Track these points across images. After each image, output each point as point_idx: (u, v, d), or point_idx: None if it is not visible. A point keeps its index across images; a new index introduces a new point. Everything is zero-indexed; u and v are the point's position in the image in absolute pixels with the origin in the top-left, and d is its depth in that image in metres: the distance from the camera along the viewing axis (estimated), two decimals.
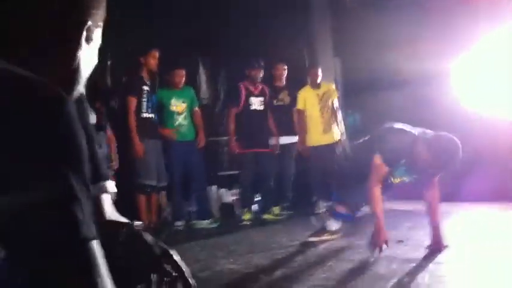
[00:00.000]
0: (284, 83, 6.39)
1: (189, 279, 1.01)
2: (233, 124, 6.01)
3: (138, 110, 5.40)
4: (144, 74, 5.49)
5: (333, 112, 6.39)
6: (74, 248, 0.64)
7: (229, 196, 6.62)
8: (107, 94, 5.90)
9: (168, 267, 1.00)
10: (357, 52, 7.14)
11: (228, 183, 6.67)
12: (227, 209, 6.46)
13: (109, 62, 6.07)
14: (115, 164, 5.31)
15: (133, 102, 5.32)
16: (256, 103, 6.02)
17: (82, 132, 0.69)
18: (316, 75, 6.37)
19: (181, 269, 1.01)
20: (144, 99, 5.41)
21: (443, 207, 3.86)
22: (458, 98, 6.37)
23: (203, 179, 5.92)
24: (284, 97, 6.37)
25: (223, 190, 6.66)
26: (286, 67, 6.39)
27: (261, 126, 5.94)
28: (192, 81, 6.50)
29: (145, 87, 5.44)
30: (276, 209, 6.01)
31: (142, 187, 5.34)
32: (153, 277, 0.98)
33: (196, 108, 5.97)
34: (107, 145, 5.24)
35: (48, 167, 0.63)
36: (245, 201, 6.14)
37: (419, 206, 5.03)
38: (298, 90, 6.39)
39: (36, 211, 0.61)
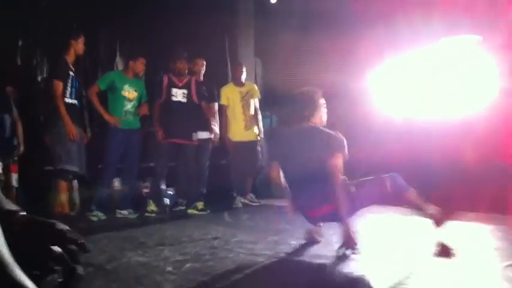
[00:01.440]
0: (202, 79, 6.35)
1: (80, 240, 0.97)
2: (156, 114, 5.91)
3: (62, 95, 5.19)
4: (70, 58, 5.26)
5: (255, 111, 6.51)
6: None
7: (143, 188, 6.49)
8: (18, 76, 5.59)
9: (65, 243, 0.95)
10: (276, 55, 7.24)
11: (141, 175, 6.51)
12: (140, 201, 6.30)
13: (20, 43, 5.77)
14: (22, 149, 5.01)
15: (59, 86, 5.08)
16: (179, 95, 5.92)
17: None
18: (240, 73, 6.46)
19: (75, 238, 0.97)
20: (68, 84, 5.19)
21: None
22: (376, 103, 6.60)
23: (136, 170, 5.86)
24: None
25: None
26: (204, 63, 6.34)
27: (182, 118, 5.84)
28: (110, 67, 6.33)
29: (71, 72, 5.23)
30: (200, 204, 5.96)
31: (64, 173, 5.09)
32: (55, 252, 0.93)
33: (145, 102, 5.97)
34: (11, 128, 4.95)
35: None
36: (153, 192, 6.04)
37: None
38: (217, 87, 6.47)
39: None
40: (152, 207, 5.80)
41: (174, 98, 5.88)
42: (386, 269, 3.05)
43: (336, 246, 3.45)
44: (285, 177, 3.73)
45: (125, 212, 5.67)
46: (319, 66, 6.61)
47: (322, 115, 3.79)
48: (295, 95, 3.81)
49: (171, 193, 6.35)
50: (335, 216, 3.41)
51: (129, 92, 5.73)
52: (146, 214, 5.74)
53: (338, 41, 6.32)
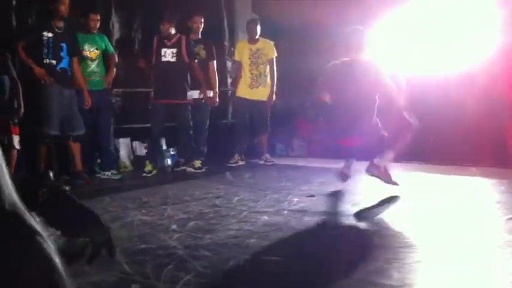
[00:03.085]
0: (200, 36, 6.24)
1: (114, 248, 0.97)
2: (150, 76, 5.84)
3: (39, 56, 5.10)
4: (55, 20, 5.16)
5: (268, 70, 6.44)
6: None
7: (143, 149, 6.48)
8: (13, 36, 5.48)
9: (95, 231, 0.94)
10: (274, 10, 7.08)
11: (141, 136, 6.50)
12: (140, 161, 6.31)
13: (14, 2, 5.64)
14: (22, 110, 4.96)
15: (20, 45, 5.06)
16: (168, 55, 5.84)
17: None
18: (254, 32, 6.36)
19: (109, 236, 0.96)
20: (44, 46, 5.10)
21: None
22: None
23: (109, 130, 5.78)
24: (199, 51, 6.22)
25: (136, 143, 6.50)
26: (203, 20, 6.23)
27: (173, 78, 5.78)
28: (105, 28, 6.20)
29: (46, 33, 5.12)
30: (198, 162, 5.96)
31: (43, 136, 5.06)
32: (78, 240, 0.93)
33: (113, 53, 5.85)
34: (10, 90, 4.89)
35: None
36: (149, 153, 6.04)
37: (330, 163, 5.21)
38: (214, 44, 6.37)
39: None
40: (149, 167, 5.80)
41: (163, 59, 5.81)
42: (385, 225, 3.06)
43: (337, 204, 3.47)
44: (331, 105, 3.82)
45: (108, 173, 5.64)
46: (321, 20, 6.45)
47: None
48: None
49: (172, 153, 6.34)
50: (365, 152, 3.64)
51: (90, 52, 5.61)
52: (143, 174, 5.73)
53: None
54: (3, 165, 0.60)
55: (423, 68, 6.01)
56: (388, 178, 3.64)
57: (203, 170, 5.93)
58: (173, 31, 5.82)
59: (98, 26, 5.71)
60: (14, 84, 4.92)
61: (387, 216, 3.20)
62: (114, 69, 5.84)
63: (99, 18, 5.70)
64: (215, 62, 6.30)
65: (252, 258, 2.43)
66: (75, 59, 5.35)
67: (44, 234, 0.64)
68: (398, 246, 2.56)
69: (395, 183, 3.63)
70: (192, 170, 5.94)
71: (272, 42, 6.53)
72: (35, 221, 0.64)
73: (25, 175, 0.98)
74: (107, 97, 5.75)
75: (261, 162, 6.51)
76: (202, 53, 6.24)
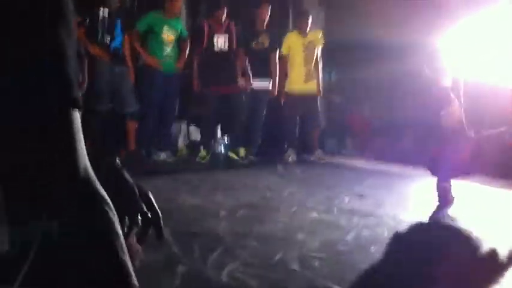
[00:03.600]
0: (266, 26, 6.24)
1: (162, 230, 0.97)
2: (196, 62, 5.90)
3: (93, 33, 5.23)
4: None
5: (316, 62, 6.36)
6: (62, 103, 0.60)
7: (197, 134, 6.57)
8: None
9: (144, 209, 0.95)
10: (342, 4, 6.98)
11: (197, 121, 6.59)
12: (194, 146, 6.40)
13: None
14: (85, 85, 5.14)
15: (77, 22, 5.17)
16: (220, 42, 5.87)
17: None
18: (306, 24, 6.29)
19: (157, 213, 0.97)
20: (99, 23, 5.23)
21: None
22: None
23: (173, 114, 5.88)
24: (264, 40, 6.23)
25: (192, 127, 6.60)
26: (269, 9, 6.22)
27: (224, 66, 5.81)
28: None
29: (101, 10, 5.24)
30: (242, 151, 5.99)
31: (93, 112, 5.20)
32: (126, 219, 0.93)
33: (186, 37, 5.90)
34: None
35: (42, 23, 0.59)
36: (203, 140, 6.10)
37: (383, 165, 5.13)
38: (278, 34, 6.33)
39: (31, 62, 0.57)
40: (203, 153, 5.89)
41: (216, 45, 5.83)
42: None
43: (387, 207, 3.40)
44: None
45: (163, 154, 5.73)
46: (388, 20, 6.31)
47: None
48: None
49: (225, 140, 6.39)
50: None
51: (168, 35, 5.66)
52: (197, 160, 5.82)
53: None
54: (80, 132, 0.62)
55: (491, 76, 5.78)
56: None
57: (247, 159, 5.94)
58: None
59: (179, 11, 5.78)
60: (80, 59, 5.10)
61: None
62: (187, 53, 5.86)
63: (181, 3, 5.78)
64: (277, 52, 6.28)
65: (298, 253, 2.42)
66: (126, 36, 5.42)
67: (110, 203, 0.65)
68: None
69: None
70: (235, 156, 5.96)
71: (320, 31, 6.44)
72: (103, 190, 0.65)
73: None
74: (176, 81, 5.79)
75: (312, 159, 6.40)
76: (266, 43, 6.23)
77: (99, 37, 5.25)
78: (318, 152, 6.40)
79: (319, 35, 6.41)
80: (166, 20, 5.64)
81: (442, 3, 5.64)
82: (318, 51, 6.37)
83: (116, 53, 5.35)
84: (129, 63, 5.47)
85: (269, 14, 6.21)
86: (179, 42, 5.80)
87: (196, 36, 5.95)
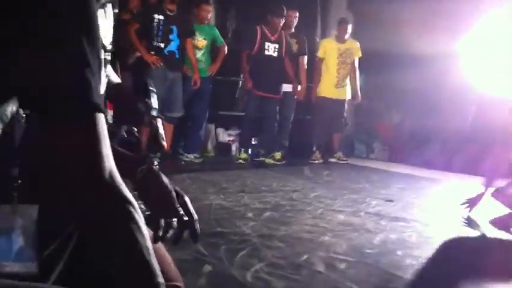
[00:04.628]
0: (293, 30, 6.28)
1: (197, 230, 0.99)
2: (246, 65, 5.98)
3: (149, 38, 5.29)
4: (166, 3, 5.30)
5: (352, 70, 6.39)
6: (84, 107, 0.61)
7: (226, 136, 6.62)
8: None
9: (181, 212, 0.97)
10: (370, 10, 6.93)
11: (226, 123, 6.65)
12: (222, 148, 6.46)
13: None
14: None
15: (132, 28, 5.19)
16: (271, 49, 5.95)
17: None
18: (345, 31, 6.31)
19: (193, 217, 0.99)
20: (154, 28, 5.26)
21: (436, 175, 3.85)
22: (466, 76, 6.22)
23: (204, 116, 5.94)
24: (293, 45, 6.27)
25: (220, 129, 6.65)
26: (297, 15, 6.25)
27: (272, 73, 5.90)
28: None
29: (157, 16, 5.28)
30: (278, 155, 6.07)
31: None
32: (162, 221, 0.96)
33: (222, 44, 5.95)
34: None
35: (65, 30, 0.61)
36: (243, 142, 6.22)
37: (411, 170, 5.07)
38: (306, 38, 6.42)
39: (51, 68, 0.59)
40: (244, 155, 6.00)
41: (266, 52, 5.90)
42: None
43: (414, 211, 3.36)
44: None
45: (191, 156, 5.78)
46: (418, 28, 6.25)
47: None
48: None
49: (254, 143, 6.43)
50: None
51: (199, 41, 5.74)
52: (236, 162, 5.97)
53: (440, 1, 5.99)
54: (106, 135, 0.63)
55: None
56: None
57: (283, 162, 5.99)
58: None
59: (209, 17, 5.87)
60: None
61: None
62: (221, 61, 5.92)
63: (210, 9, 5.85)
64: (306, 57, 6.33)
65: (325, 255, 2.42)
66: (188, 40, 5.50)
67: (136, 205, 0.67)
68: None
69: None
70: (272, 161, 6.01)
71: (358, 43, 6.45)
72: (129, 193, 0.66)
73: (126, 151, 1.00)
74: (207, 85, 5.85)
75: (333, 160, 6.49)
76: (295, 47, 6.27)
77: (153, 41, 5.28)
78: (339, 154, 6.50)
79: (357, 45, 6.41)
80: (198, 27, 5.70)
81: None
82: (356, 61, 6.39)
83: (171, 57, 5.38)
84: (193, 64, 5.57)
85: (296, 18, 6.24)
86: (213, 48, 5.88)
87: (247, 39, 6.04)
